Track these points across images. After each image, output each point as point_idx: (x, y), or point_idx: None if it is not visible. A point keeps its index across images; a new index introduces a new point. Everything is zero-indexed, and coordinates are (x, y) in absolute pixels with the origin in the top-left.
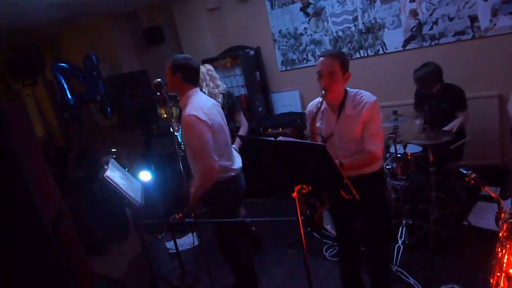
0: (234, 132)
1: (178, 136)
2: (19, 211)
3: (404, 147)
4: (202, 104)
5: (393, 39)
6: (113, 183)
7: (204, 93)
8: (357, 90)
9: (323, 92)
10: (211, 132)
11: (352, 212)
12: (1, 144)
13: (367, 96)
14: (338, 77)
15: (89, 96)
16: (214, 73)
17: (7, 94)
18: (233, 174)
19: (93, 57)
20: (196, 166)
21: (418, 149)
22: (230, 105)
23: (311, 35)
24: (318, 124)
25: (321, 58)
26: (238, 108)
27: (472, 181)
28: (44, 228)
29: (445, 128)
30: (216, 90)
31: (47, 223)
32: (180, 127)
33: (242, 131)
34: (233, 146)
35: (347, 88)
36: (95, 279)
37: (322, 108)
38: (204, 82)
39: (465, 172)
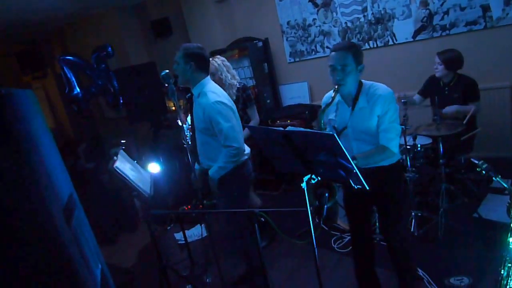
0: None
1: (185, 128)
2: (27, 196)
3: (414, 139)
4: (221, 92)
5: (403, 29)
6: (122, 174)
7: (224, 85)
8: (372, 82)
9: (336, 86)
10: (235, 117)
11: (366, 203)
12: (10, 129)
13: (382, 89)
14: (351, 70)
15: (98, 88)
16: (228, 63)
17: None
18: (245, 157)
19: (109, 48)
20: (214, 150)
21: (427, 140)
22: (245, 98)
23: (319, 26)
24: (332, 116)
25: (333, 52)
26: (251, 103)
27: (483, 171)
28: (55, 215)
29: (451, 108)
30: (234, 81)
31: (58, 209)
32: (187, 118)
33: (253, 124)
34: None
35: (362, 80)
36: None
37: (337, 100)
38: (223, 74)
39: (476, 162)
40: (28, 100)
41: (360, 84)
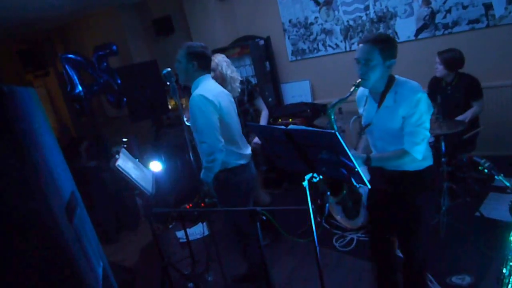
0: (254, 118)
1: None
2: (29, 193)
3: None
4: (212, 88)
5: (405, 28)
6: (124, 172)
7: (225, 80)
8: (406, 80)
9: (358, 81)
10: (218, 114)
11: (388, 206)
12: (12, 126)
13: (411, 89)
14: (376, 65)
15: (100, 87)
16: (227, 59)
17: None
18: (243, 162)
19: (114, 47)
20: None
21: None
22: (250, 90)
23: (321, 24)
24: (361, 111)
25: (360, 45)
26: (257, 94)
27: (485, 170)
28: (57, 213)
29: (459, 118)
30: (234, 74)
31: (60, 207)
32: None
33: (264, 115)
34: (255, 141)
35: (396, 77)
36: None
37: (366, 94)
38: (223, 69)
39: (478, 160)
40: (30, 98)
41: (392, 81)
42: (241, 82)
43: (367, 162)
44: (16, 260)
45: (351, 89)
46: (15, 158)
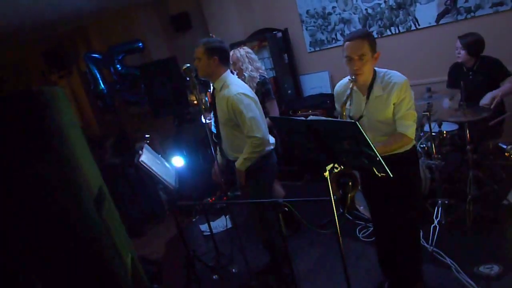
0: None
1: (212, 124)
2: (60, 187)
3: (439, 125)
4: (243, 84)
5: (425, 14)
6: (148, 168)
7: (245, 76)
8: (385, 70)
9: (354, 76)
10: (258, 108)
11: (386, 192)
12: (43, 123)
13: (396, 77)
14: (368, 59)
15: (122, 84)
16: (253, 55)
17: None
18: (271, 148)
19: (140, 44)
20: (240, 142)
21: (454, 126)
22: (263, 92)
23: (339, 14)
24: (347, 106)
25: (348, 42)
26: (271, 97)
27: None
28: (87, 206)
29: (498, 91)
30: (255, 74)
31: (90, 201)
32: (211, 114)
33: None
34: None
35: (376, 68)
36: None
37: (348, 90)
38: (244, 65)
39: (504, 147)
40: (57, 97)
41: (374, 72)
42: (257, 83)
43: None
44: (47, 251)
45: (351, 86)
46: (44, 155)
